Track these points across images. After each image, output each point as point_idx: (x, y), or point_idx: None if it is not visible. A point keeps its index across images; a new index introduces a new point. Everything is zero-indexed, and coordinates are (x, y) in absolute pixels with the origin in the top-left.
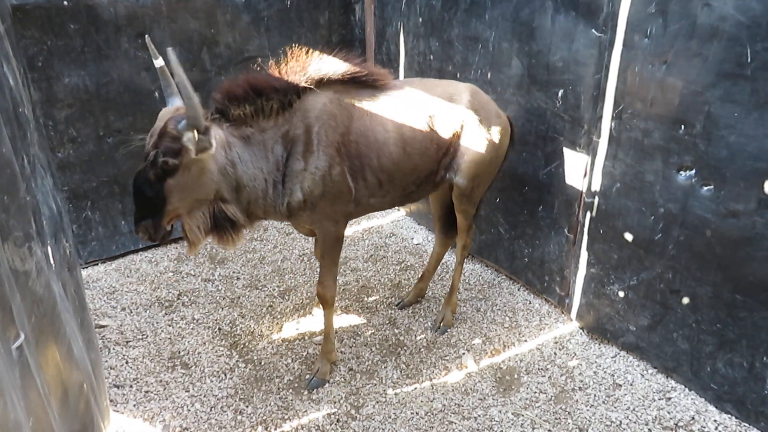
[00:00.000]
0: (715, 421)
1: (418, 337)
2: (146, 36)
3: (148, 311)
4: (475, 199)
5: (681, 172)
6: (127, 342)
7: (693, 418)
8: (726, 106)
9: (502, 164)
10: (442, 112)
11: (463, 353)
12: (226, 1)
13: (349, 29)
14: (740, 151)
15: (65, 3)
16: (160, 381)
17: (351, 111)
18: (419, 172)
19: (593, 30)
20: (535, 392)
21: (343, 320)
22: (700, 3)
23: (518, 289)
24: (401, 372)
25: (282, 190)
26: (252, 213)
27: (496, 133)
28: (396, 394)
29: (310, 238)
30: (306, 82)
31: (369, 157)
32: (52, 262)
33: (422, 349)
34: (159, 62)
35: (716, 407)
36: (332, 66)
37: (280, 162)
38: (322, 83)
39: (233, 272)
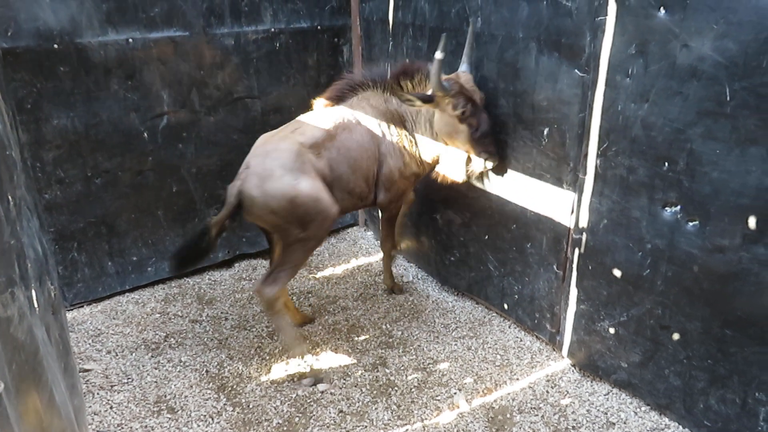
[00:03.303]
0: None
1: (409, 377)
2: (443, 35)
3: (134, 354)
4: None
5: (666, 208)
6: (111, 386)
7: None
8: (708, 143)
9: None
10: None
11: (455, 393)
12: (215, 43)
13: (338, 70)
14: (723, 187)
15: (55, 46)
16: (145, 426)
17: None
18: None
19: (576, 70)
20: None
21: (332, 360)
22: (679, 44)
23: (509, 327)
24: (392, 413)
25: None
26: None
27: None
28: None
29: (297, 277)
30: None
31: None
32: (35, 306)
33: (413, 389)
34: (439, 55)
35: None
36: None
37: None
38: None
39: (221, 312)
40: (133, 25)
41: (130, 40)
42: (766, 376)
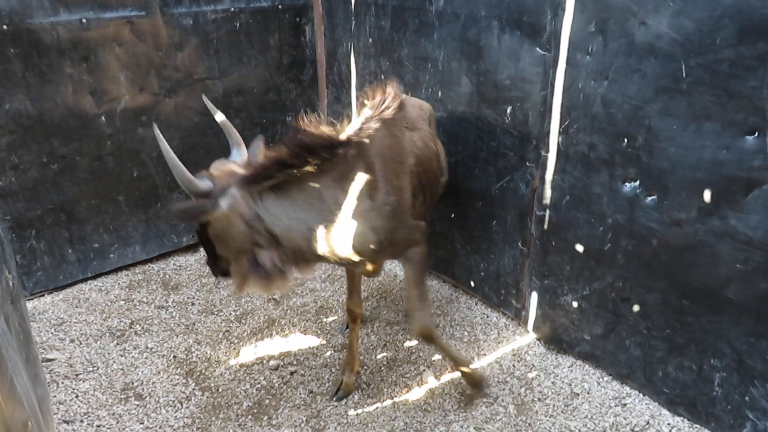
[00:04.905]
0: (668, 424)
1: (379, 356)
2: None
3: (98, 342)
4: None
5: (626, 184)
6: (76, 375)
7: (648, 423)
8: (665, 119)
9: None
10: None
11: (424, 370)
12: (173, 23)
13: (300, 50)
14: (680, 162)
15: (4, 27)
16: (113, 414)
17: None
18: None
19: (538, 48)
20: (496, 405)
21: (301, 342)
22: (637, 22)
23: (476, 304)
24: (362, 392)
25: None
26: (301, 259)
27: None
28: (357, 414)
29: None
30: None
31: (423, 174)
32: None
33: (383, 368)
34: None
35: (669, 411)
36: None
37: (336, 206)
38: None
39: (188, 298)
40: (86, 5)
41: (84, 20)
42: (720, 344)
